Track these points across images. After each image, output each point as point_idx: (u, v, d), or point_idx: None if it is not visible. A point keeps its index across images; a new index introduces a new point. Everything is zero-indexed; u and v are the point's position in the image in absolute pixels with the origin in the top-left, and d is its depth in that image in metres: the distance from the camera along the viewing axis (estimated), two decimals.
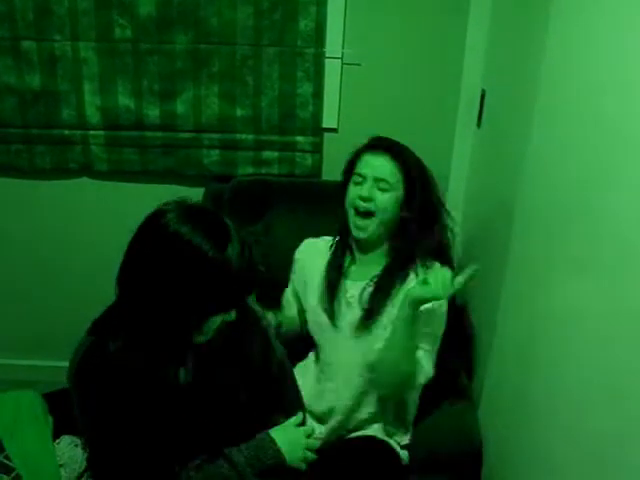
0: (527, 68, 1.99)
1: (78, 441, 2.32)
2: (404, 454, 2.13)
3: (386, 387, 2.08)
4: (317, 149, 2.76)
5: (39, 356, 3.12)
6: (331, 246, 2.22)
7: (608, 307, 1.33)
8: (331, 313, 2.13)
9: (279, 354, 1.87)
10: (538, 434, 1.70)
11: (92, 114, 2.70)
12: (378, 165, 2.07)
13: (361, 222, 2.06)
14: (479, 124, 2.61)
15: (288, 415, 1.84)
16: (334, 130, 2.76)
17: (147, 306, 1.49)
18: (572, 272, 1.54)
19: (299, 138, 2.73)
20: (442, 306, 2.03)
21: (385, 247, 2.13)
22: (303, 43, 2.59)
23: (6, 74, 2.64)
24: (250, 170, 2.78)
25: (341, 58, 2.64)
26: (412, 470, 2.12)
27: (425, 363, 2.02)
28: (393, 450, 2.10)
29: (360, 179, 2.08)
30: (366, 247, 2.13)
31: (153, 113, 2.69)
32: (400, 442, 2.14)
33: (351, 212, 2.09)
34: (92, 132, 2.73)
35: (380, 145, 2.11)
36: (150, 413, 1.61)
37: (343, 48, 2.63)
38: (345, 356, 2.11)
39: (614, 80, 1.37)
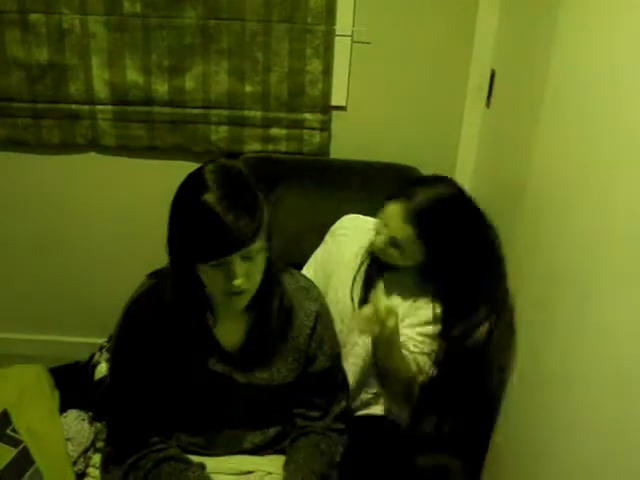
0: (538, 48, 1.97)
1: (85, 415, 2.33)
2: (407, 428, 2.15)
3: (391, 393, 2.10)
4: (325, 127, 2.74)
5: (45, 331, 3.13)
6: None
7: (622, 292, 1.33)
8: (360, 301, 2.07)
9: (335, 346, 1.88)
10: (547, 418, 1.71)
11: (100, 89, 2.68)
12: (396, 228, 1.92)
13: (383, 260, 2.02)
14: (488, 104, 2.60)
15: (331, 401, 1.85)
16: (343, 108, 2.75)
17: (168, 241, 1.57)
18: (582, 254, 1.54)
19: (307, 116, 2.72)
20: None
21: (417, 269, 2.04)
22: (313, 20, 2.56)
23: (14, 47, 2.62)
24: (258, 147, 2.77)
25: (351, 36, 2.62)
26: (416, 446, 2.13)
27: (423, 364, 2.01)
28: (399, 428, 2.12)
29: (380, 224, 1.98)
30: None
31: (162, 88, 2.68)
32: (405, 419, 2.16)
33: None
34: (100, 107, 2.72)
35: (409, 207, 1.90)
36: (173, 354, 1.67)
37: (353, 26, 2.61)
38: (355, 343, 2.11)
39: (629, 60, 1.36)
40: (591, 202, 1.49)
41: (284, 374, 1.76)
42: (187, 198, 1.49)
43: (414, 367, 2.01)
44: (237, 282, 1.50)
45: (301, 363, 1.77)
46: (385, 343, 1.91)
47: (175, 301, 1.62)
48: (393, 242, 1.94)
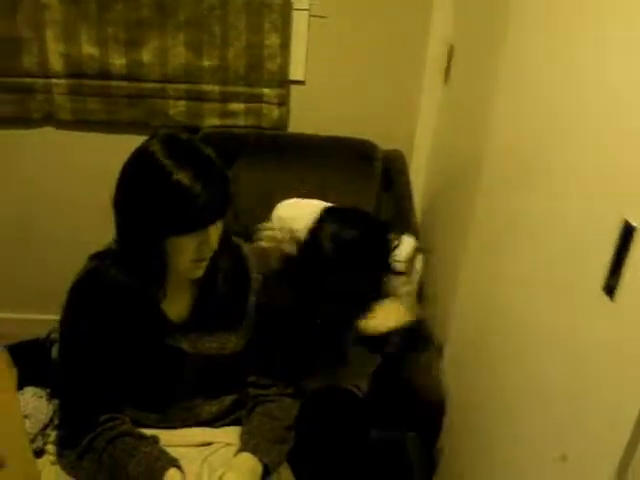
0: (495, 23, 1.99)
1: (42, 392, 2.32)
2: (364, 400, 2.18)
3: None
4: (284, 101, 2.73)
5: (2, 309, 3.09)
6: None
7: (573, 267, 1.36)
8: None
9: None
10: (500, 385, 1.74)
11: (55, 62, 2.64)
12: None
13: None
14: (446, 79, 2.61)
15: (282, 367, 1.87)
16: (301, 82, 2.74)
17: (119, 219, 1.58)
18: (535, 229, 1.56)
19: (266, 90, 2.70)
20: None
21: None
22: None
23: None
24: (216, 122, 2.75)
25: (309, 10, 2.62)
26: (374, 417, 2.16)
27: None
28: (357, 398, 2.14)
29: None
30: None
31: (118, 62, 2.64)
32: (361, 388, 2.18)
33: None
34: (55, 80, 2.67)
35: None
36: (122, 331, 1.67)
37: None
38: None
39: (586, 33, 1.37)
40: (547, 176, 1.51)
41: (234, 342, 1.77)
42: (153, 178, 1.48)
43: None
44: (213, 246, 1.57)
45: (250, 331, 1.79)
46: None
47: (127, 278, 1.62)
48: None
